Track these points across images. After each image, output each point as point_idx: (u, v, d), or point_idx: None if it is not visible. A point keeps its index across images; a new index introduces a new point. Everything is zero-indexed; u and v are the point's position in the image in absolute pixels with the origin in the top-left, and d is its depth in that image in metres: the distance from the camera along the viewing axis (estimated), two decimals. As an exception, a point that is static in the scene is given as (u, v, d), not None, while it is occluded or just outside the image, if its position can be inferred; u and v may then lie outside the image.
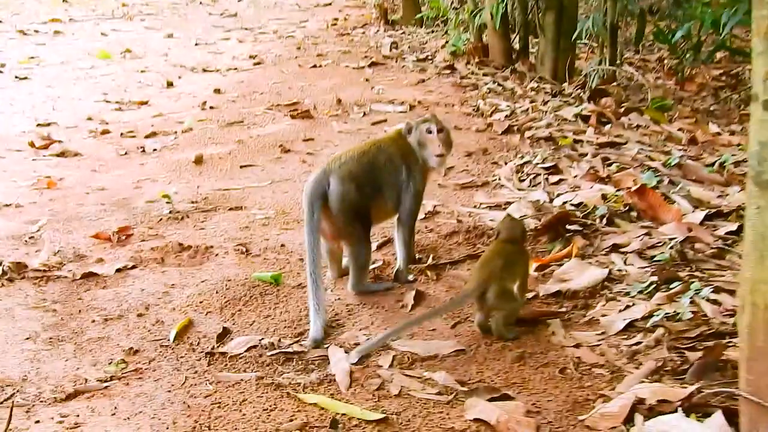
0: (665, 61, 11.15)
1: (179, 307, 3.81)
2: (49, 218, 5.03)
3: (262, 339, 3.46)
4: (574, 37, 8.85)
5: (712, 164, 5.73)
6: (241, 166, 6.02)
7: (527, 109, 7.45)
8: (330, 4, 18.03)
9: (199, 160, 6.10)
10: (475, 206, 5.08)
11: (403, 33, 13.23)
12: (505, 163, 5.87)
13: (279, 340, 3.44)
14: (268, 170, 5.92)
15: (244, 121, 7.33)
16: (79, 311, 3.85)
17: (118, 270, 4.25)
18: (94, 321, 3.73)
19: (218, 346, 3.44)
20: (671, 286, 3.71)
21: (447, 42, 11.57)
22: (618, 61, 8.82)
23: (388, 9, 14.56)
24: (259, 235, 4.66)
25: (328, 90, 8.65)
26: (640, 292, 3.70)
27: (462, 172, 5.77)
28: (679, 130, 6.89)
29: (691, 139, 6.60)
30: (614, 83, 8.47)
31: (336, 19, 15.35)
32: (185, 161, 6.13)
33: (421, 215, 4.65)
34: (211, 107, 7.95)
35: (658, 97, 8.12)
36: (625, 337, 3.40)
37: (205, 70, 10.25)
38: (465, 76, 9.32)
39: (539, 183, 5.39)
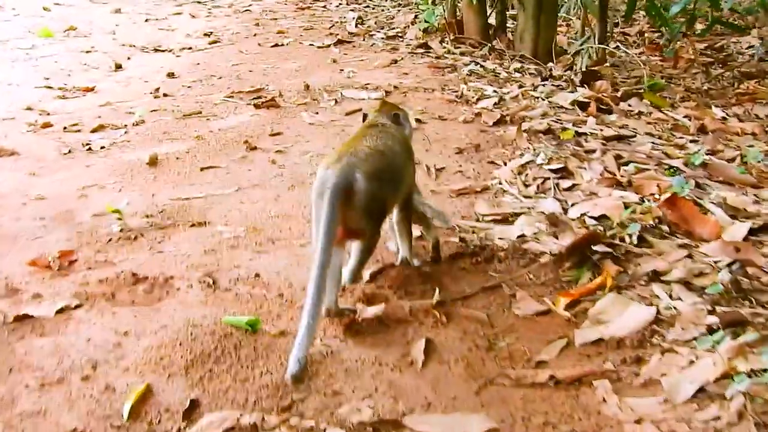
0: (646, 35, 10.53)
1: (134, 366, 3.07)
2: (-23, 238, 4.26)
3: (241, 415, 2.73)
4: (560, 11, 8.17)
5: (733, 159, 5.13)
6: (201, 168, 5.26)
7: (517, 96, 6.77)
8: (286, -26, 17.16)
9: (153, 161, 5.34)
10: (477, 219, 4.38)
11: (367, 6, 12.46)
12: (504, 163, 5.18)
13: (263, 419, 2.70)
14: (233, 173, 5.17)
15: (202, 112, 6.55)
16: (10, 370, 3.09)
17: (60, 311, 3.48)
18: (28, 386, 2.98)
19: (186, 427, 2.71)
20: (737, 331, 3.05)
21: (416, 17, 10.83)
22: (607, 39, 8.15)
23: (349, -20, 13.75)
24: (227, 261, 3.92)
25: (293, 73, 7.91)
26: (712, 346, 3.02)
27: (456, 173, 5.08)
28: (686, 117, 6.23)
29: (700, 127, 5.97)
30: (606, 64, 7.77)
31: (294, -11, 14.54)
32: (137, 162, 5.37)
33: (416, 232, 3.99)
34: (164, 94, 7.16)
35: (647, 76, 7.46)
36: (696, 407, 2.72)
37: (156, 50, 9.44)
38: (441, 56, 8.60)
39: (549, 189, 4.70)
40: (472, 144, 5.59)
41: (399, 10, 11.77)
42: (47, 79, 7.84)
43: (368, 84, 7.32)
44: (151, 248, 4.11)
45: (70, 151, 5.67)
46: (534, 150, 5.31)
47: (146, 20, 11.51)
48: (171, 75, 7.91)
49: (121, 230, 4.28)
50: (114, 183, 5.03)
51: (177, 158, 5.45)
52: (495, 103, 6.56)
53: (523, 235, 4.10)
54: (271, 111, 6.52)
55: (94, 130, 6.13)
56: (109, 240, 4.20)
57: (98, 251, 4.08)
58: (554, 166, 4.96)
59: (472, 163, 5.25)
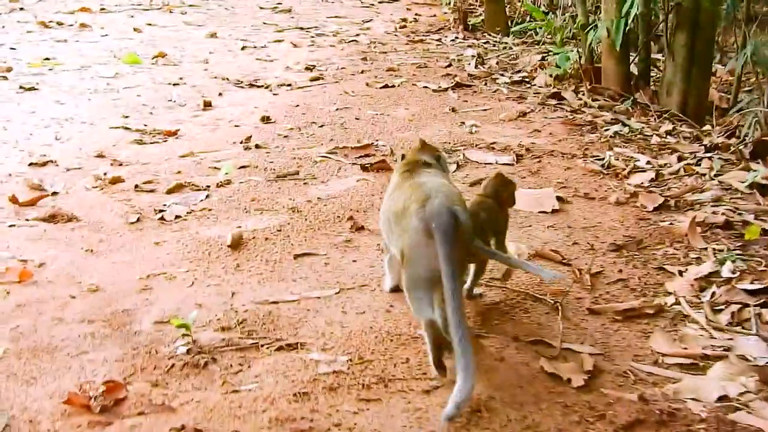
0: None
1: None
2: (7, 347, 3.40)
3: None
4: (723, 66, 7.11)
5: None
6: (295, 256, 4.33)
7: (678, 171, 5.71)
8: (396, 0, 16.27)
9: (236, 243, 4.43)
10: (656, 362, 3.35)
11: (487, 43, 11.46)
12: (680, 273, 4.14)
13: None
14: (334, 264, 4.24)
15: (299, 173, 5.63)
16: None
17: (91, 491, 2.56)
18: None
19: None
20: None
21: (544, 58, 9.81)
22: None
23: (467, 12, 12.75)
24: (324, 414, 2.96)
25: (405, 123, 6.96)
26: None
27: (615, 282, 4.06)
28: None
29: None
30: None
31: (404, 20, 13.61)
32: (217, 242, 4.47)
33: (578, 379, 3.02)
34: (256, 145, 6.26)
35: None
36: None
37: (251, 85, 8.56)
38: (577, 110, 7.58)
39: (747, 319, 3.64)
40: (632, 238, 4.59)
41: (523, 50, 10.73)
42: (126, 117, 7.02)
43: (494, 143, 6.35)
44: (224, 383, 3.17)
45: (138, 220, 4.81)
46: (715, 255, 4.27)
47: (243, 48, 10.66)
48: (266, 119, 7.03)
49: (187, 351, 3.36)
50: (186, 272, 4.13)
51: (266, 239, 4.53)
52: (652, 179, 5.54)
53: (725, 397, 3.05)
54: (381, 175, 5.57)
55: (170, 191, 5.27)
56: (171, 366, 3.29)
57: (155, 384, 3.16)
58: (749, 285, 3.90)
59: (635, 268, 4.23)
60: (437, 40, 11.64)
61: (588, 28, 8.40)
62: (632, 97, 7.89)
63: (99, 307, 3.76)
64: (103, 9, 13.39)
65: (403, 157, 3.74)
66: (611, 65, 8.25)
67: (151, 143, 6.38)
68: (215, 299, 3.82)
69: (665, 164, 5.88)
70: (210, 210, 4.96)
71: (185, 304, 3.72)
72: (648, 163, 5.87)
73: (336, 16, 13.77)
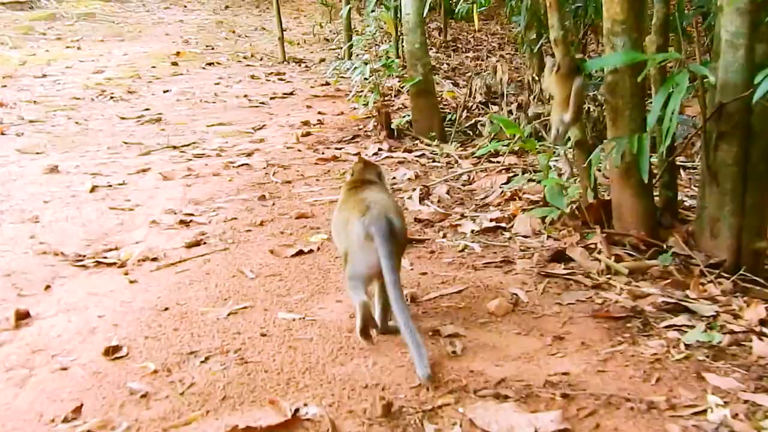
0: None
1: None
2: None
3: None
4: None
5: None
6: None
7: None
8: (292, 93, 13.76)
9: None
10: None
11: (423, 155, 8.97)
12: None
13: None
14: None
15: None
16: None
17: None
18: None
19: None
20: None
21: (510, 179, 7.33)
22: None
23: (389, 112, 10.27)
24: None
25: (343, 340, 4.42)
26: None
27: None
28: None
29: None
30: None
31: (306, 124, 11.12)
32: None
33: None
34: (88, 433, 3.58)
35: None
36: None
37: (99, 263, 5.86)
38: (600, 283, 5.08)
39: None
40: None
41: (478, 166, 8.22)
42: None
43: (503, 381, 3.81)
44: None
45: None
46: None
47: (92, 188, 7.91)
48: (112, 351, 4.36)
49: None
50: None
51: None
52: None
53: None
54: None
55: None
56: None
57: None
58: None
59: None
60: (355, 154, 9.08)
61: (591, 151, 5.95)
62: (668, 246, 5.46)
63: None
64: None
65: (352, 175, 4.71)
66: (627, 199, 5.85)
67: None
68: None
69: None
70: None
71: None
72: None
73: (219, 123, 11.22)
